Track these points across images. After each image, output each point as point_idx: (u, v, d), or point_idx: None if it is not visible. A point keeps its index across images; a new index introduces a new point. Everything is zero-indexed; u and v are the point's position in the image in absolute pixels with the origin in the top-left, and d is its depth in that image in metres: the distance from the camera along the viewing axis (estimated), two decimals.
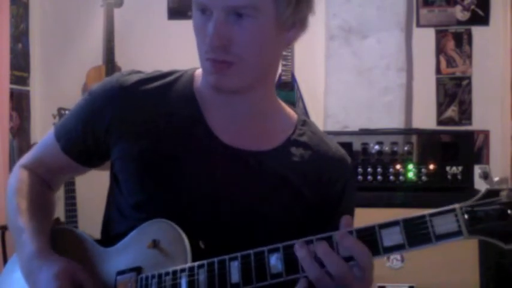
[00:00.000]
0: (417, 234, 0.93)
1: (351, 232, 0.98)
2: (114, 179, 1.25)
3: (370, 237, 0.97)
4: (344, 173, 1.25)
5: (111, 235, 1.23)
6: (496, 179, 0.82)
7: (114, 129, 1.20)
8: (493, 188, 0.91)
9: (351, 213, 1.28)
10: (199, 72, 1.24)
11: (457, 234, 0.91)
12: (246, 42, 1.09)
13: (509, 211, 0.88)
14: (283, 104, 1.27)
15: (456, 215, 0.91)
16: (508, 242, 0.89)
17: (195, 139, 1.18)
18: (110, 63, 3.48)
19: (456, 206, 0.92)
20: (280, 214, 1.18)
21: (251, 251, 1.02)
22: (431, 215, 0.93)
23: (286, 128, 1.23)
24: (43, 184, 1.33)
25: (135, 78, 1.23)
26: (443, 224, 0.92)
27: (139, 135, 1.18)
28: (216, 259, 1.04)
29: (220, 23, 1.07)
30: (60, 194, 3.49)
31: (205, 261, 1.05)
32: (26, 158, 1.35)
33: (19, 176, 1.31)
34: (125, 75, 1.25)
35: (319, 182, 1.21)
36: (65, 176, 1.44)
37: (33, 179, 1.31)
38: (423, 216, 0.93)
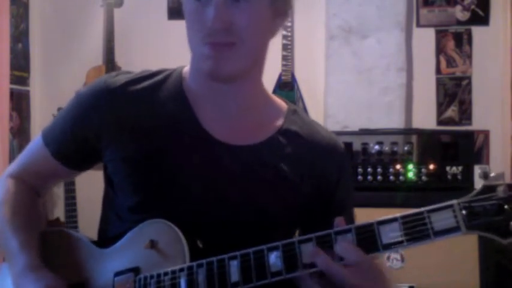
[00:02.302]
0: (416, 230, 0.93)
1: (349, 229, 0.98)
2: (108, 181, 1.24)
3: (368, 234, 0.97)
4: (338, 161, 1.25)
5: (108, 237, 1.22)
6: (492, 174, 0.83)
7: (105, 131, 1.19)
8: (490, 184, 0.91)
9: (349, 202, 1.28)
10: (187, 69, 1.24)
11: (455, 229, 0.91)
12: (246, 24, 1.10)
13: (505, 206, 0.89)
14: (272, 95, 1.27)
15: (454, 211, 0.92)
16: (505, 236, 0.89)
17: (187, 137, 1.18)
18: (110, 63, 3.48)
19: (454, 201, 0.92)
20: (277, 207, 1.18)
21: (250, 250, 1.02)
22: (429, 211, 0.93)
23: (276, 118, 1.23)
24: (31, 192, 1.30)
25: (123, 79, 1.22)
26: (442, 219, 0.92)
27: (131, 136, 1.18)
28: (215, 258, 1.04)
29: (220, 5, 1.08)
30: (60, 194, 3.50)
31: (204, 261, 1.04)
32: (13, 166, 1.32)
33: (6, 186, 1.29)
34: (113, 76, 1.24)
35: (313, 172, 1.21)
36: (55, 181, 1.41)
37: (20, 188, 1.29)
38: (421, 213, 0.93)
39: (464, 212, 0.91)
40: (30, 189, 1.31)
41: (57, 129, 1.26)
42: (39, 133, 1.30)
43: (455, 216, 0.91)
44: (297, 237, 1.00)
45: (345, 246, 0.97)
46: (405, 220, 0.94)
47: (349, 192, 1.29)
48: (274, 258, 1.00)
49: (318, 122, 1.30)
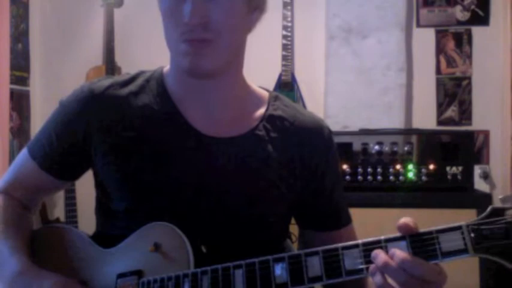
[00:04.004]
0: (424, 250, 0.92)
1: (356, 245, 0.96)
2: (99, 187, 1.24)
3: None
4: (324, 141, 1.26)
5: (107, 238, 1.21)
6: (500, 196, 0.82)
7: (93, 138, 1.19)
8: (498, 207, 0.91)
9: (338, 182, 1.30)
10: (167, 69, 1.25)
11: (462, 251, 0.90)
12: (222, 19, 1.09)
13: None
14: (253, 86, 1.28)
15: (462, 233, 0.91)
16: None
17: (176, 136, 1.18)
18: (110, 63, 3.47)
19: (462, 224, 0.91)
20: (270, 194, 1.19)
21: (255, 260, 1.01)
22: (438, 231, 0.92)
23: (260, 107, 1.25)
24: (20, 207, 1.29)
25: (106, 83, 1.22)
26: (450, 241, 0.91)
27: (120, 140, 1.17)
28: (219, 266, 1.03)
29: (196, 0, 1.07)
30: (60, 194, 3.49)
31: (208, 268, 1.04)
32: (0, 182, 1.31)
33: None
34: (95, 82, 1.24)
35: (302, 152, 1.22)
36: (44, 195, 1.38)
37: (9, 203, 1.27)
38: (430, 233, 0.92)
39: (472, 234, 0.90)
40: (19, 203, 1.30)
41: (43, 141, 1.25)
42: (24, 148, 1.29)
43: (464, 238, 0.90)
44: (303, 250, 0.99)
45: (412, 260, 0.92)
46: (414, 239, 0.93)
47: (338, 170, 1.31)
48: (279, 270, 0.99)
49: (299, 105, 1.31)
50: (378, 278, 0.93)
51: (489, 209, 0.91)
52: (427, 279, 0.91)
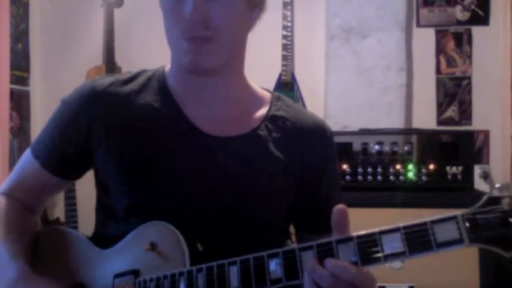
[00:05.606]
0: (418, 241, 0.91)
1: (351, 238, 0.96)
2: (100, 186, 1.24)
3: (371, 243, 0.95)
4: (325, 143, 1.27)
5: (105, 238, 1.21)
6: (497, 185, 0.81)
7: (94, 135, 1.19)
8: (494, 195, 0.89)
9: (336, 184, 1.31)
10: (168, 68, 1.25)
11: (458, 242, 0.89)
12: (223, 16, 1.10)
13: (510, 219, 0.87)
14: (255, 86, 1.29)
15: (457, 223, 0.89)
16: (509, 249, 0.87)
17: (178, 135, 1.18)
18: (110, 63, 3.47)
19: (457, 213, 0.90)
20: (271, 193, 1.19)
21: (250, 256, 1.01)
22: (433, 222, 0.91)
23: (262, 107, 1.25)
24: (22, 209, 1.30)
25: (108, 81, 1.22)
26: (445, 231, 0.90)
27: (121, 138, 1.18)
28: (214, 263, 1.04)
29: None
30: (60, 194, 3.49)
31: (203, 265, 1.04)
32: (4, 184, 1.32)
33: None
34: (97, 80, 1.24)
35: (302, 152, 1.23)
36: (48, 195, 1.38)
37: (11, 205, 1.28)
38: (424, 224, 0.91)
39: (467, 224, 0.89)
40: (22, 206, 1.30)
41: (45, 140, 1.25)
42: (28, 148, 1.29)
43: (459, 228, 0.89)
44: (297, 245, 0.99)
45: (340, 265, 0.95)
46: (408, 230, 0.92)
47: (336, 172, 1.32)
48: (274, 266, 0.99)
49: (301, 105, 1.31)
50: (307, 283, 0.95)
51: (485, 197, 0.90)
52: (356, 284, 0.93)
